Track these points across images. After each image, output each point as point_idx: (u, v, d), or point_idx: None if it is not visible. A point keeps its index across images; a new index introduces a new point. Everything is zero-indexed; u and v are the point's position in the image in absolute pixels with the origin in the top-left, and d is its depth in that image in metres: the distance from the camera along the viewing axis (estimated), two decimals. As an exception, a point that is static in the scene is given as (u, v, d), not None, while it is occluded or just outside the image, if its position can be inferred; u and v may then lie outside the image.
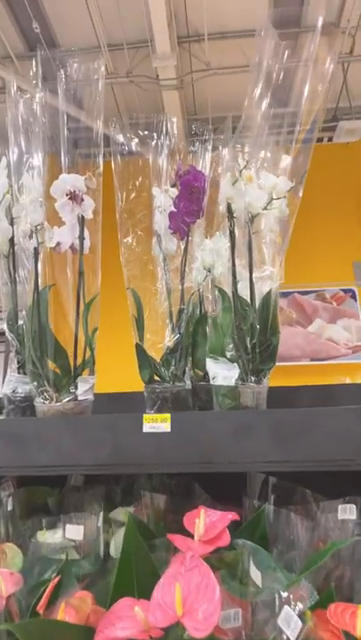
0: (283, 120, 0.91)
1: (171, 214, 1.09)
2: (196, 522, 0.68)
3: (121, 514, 0.91)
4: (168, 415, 0.86)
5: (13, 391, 1.03)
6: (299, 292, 4.59)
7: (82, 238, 0.87)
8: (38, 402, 0.91)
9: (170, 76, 4.75)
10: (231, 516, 0.70)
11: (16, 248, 1.00)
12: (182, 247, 1.10)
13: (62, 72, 1.01)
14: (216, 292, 0.92)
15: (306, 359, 4.48)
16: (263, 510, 0.78)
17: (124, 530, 0.67)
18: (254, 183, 0.80)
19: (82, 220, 0.87)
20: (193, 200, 1.07)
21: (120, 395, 1.23)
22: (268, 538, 0.77)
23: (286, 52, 0.89)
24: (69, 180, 0.83)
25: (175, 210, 1.09)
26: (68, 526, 0.78)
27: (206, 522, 0.69)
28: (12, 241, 1.00)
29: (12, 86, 1.01)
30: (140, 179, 1.12)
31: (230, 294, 0.87)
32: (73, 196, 0.84)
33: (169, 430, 0.84)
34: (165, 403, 1.00)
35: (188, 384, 1.07)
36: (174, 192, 1.10)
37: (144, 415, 0.86)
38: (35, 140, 0.96)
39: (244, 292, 0.90)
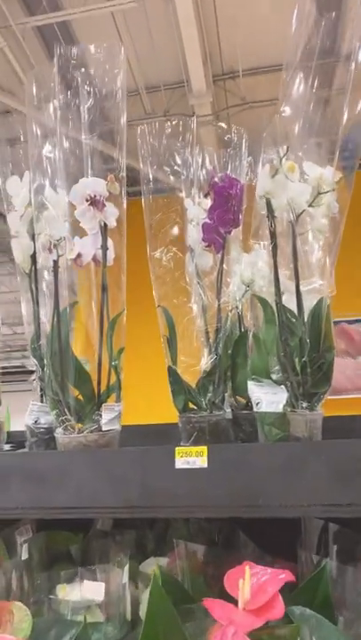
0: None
1: (204, 225, 1.00)
2: (240, 583, 0.54)
3: (153, 566, 0.78)
4: (205, 448, 0.73)
5: (35, 422, 0.94)
6: (346, 322, 4.37)
7: (105, 248, 0.78)
8: (59, 433, 0.81)
9: (206, 112, 4.84)
10: (284, 575, 0.56)
11: (39, 266, 0.93)
12: (218, 261, 1.01)
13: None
14: (257, 303, 0.80)
15: (357, 392, 4.21)
16: (325, 567, 0.63)
17: (149, 591, 0.54)
18: (297, 174, 0.70)
19: (104, 229, 0.78)
20: (228, 209, 0.97)
21: (154, 427, 1.12)
22: (332, 603, 0.62)
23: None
24: (90, 184, 0.76)
25: (209, 221, 1.00)
26: (85, 583, 0.66)
27: (253, 583, 0.55)
28: (33, 258, 0.93)
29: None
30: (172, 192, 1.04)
31: (273, 305, 0.75)
32: (93, 202, 0.76)
33: (206, 466, 0.72)
34: (202, 434, 0.88)
35: (229, 413, 0.94)
36: (208, 203, 1.02)
37: (176, 448, 0.73)
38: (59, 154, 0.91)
39: (289, 304, 0.78)
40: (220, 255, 1.00)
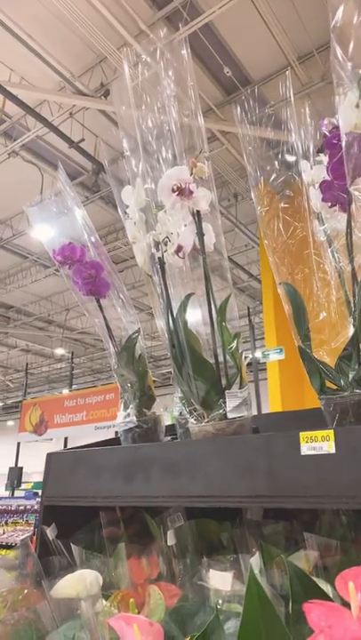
0: None
1: (322, 185, 0.90)
2: (349, 586, 0.46)
3: (302, 559, 0.73)
4: (331, 432, 0.65)
5: (180, 413, 0.97)
6: None
7: (200, 234, 0.77)
8: (191, 423, 0.82)
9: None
10: None
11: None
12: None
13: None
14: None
15: None
16: None
17: (246, 588, 0.50)
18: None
19: (198, 215, 0.77)
20: (343, 159, 0.85)
21: (307, 412, 1.04)
22: None
23: None
24: (172, 174, 0.75)
25: (327, 178, 0.89)
26: (212, 572, 0.65)
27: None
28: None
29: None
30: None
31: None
32: (181, 191, 0.75)
33: (333, 451, 0.64)
34: (345, 416, 0.78)
35: (378, 390, 0.81)
36: (325, 159, 0.91)
37: (301, 433, 0.67)
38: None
39: None
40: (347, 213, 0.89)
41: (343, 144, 0.66)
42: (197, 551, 0.81)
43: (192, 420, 0.82)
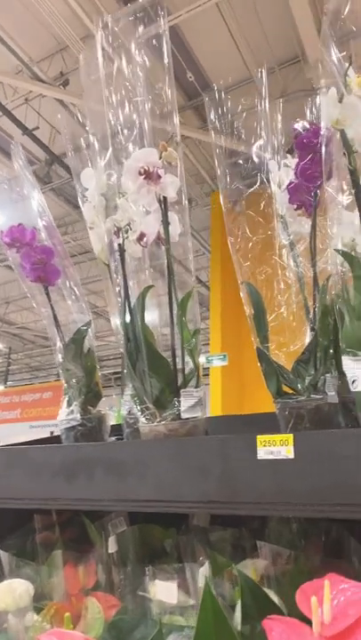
0: None
1: (290, 187, 0.88)
2: (312, 601, 0.43)
3: (249, 568, 0.70)
4: (290, 436, 0.63)
5: (129, 412, 0.92)
6: None
7: (166, 223, 0.73)
8: (142, 422, 0.78)
9: (326, 81, 4.45)
10: (380, 593, 0.43)
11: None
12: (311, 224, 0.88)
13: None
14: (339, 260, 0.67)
15: None
16: None
17: (201, 600, 0.46)
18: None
19: (164, 202, 0.73)
20: (314, 161, 0.84)
21: (258, 416, 1.02)
22: None
23: None
24: (141, 157, 0.71)
25: (295, 180, 0.88)
26: (157, 582, 0.61)
27: (336, 603, 0.43)
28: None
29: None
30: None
31: (363, 260, 0.62)
32: (148, 175, 0.71)
33: (292, 457, 0.61)
34: (300, 421, 0.77)
35: (333, 396, 0.81)
36: (293, 162, 0.90)
37: (258, 436, 0.64)
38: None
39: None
40: (312, 217, 0.88)
41: (323, 140, 0.64)
42: (139, 559, 0.76)
43: (143, 420, 0.77)
